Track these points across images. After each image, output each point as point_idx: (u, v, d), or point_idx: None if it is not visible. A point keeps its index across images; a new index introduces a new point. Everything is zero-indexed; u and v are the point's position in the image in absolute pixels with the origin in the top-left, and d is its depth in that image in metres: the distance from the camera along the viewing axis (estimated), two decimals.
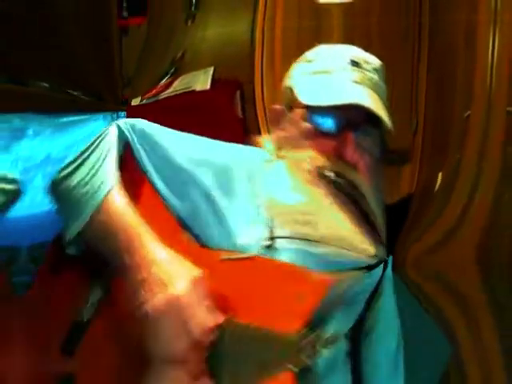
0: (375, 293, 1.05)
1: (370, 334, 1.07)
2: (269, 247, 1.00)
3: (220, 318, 0.94)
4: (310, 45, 1.22)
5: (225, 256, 0.98)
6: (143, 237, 0.95)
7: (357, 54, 1.04)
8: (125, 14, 1.33)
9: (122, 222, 0.97)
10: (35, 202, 1.16)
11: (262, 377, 0.98)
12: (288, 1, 1.24)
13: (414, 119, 1.21)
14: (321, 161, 1.02)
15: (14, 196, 1.05)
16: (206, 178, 1.03)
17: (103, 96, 1.22)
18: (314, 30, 1.22)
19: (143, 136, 1.01)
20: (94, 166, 0.98)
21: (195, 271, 0.94)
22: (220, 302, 0.97)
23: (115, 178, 0.96)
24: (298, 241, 1.01)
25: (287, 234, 1.01)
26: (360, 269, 1.05)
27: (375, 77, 1.02)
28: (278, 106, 1.04)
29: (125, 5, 1.32)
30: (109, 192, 0.96)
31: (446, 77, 1.17)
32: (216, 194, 1.03)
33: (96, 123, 1.13)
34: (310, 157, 1.03)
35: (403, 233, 1.16)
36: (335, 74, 1.02)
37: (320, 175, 1.01)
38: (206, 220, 1.02)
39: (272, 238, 1.00)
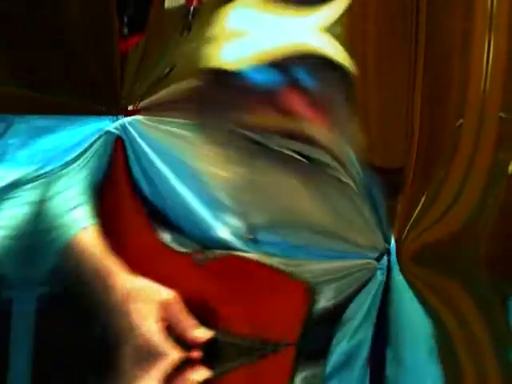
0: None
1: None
2: (253, 240, 0.97)
3: (206, 333, 0.95)
4: None
5: (197, 258, 0.97)
6: (115, 272, 0.95)
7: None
8: (125, 31, 1.33)
9: (92, 259, 0.96)
10: None
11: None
12: None
13: (409, 127, 1.21)
14: (255, 122, 0.98)
15: None
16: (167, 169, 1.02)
17: (104, 102, 1.20)
18: None
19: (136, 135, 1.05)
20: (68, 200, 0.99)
21: (166, 294, 0.94)
22: (206, 312, 0.96)
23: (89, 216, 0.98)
24: (277, 228, 0.98)
25: (264, 221, 0.97)
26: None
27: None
28: None
29: (126, 20, 1.33)
30: (80, 230, 0.97)
31: (442, 82, 1.18)
32: (175, 182, 1.01)
33: (104, 122, 1.16)
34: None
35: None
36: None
37: (259, 139, 0.98)
38: (177, 214, 1.00)
39: (252, 228, 0.97)
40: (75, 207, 0.98)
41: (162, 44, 1.35)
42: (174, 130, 1.06)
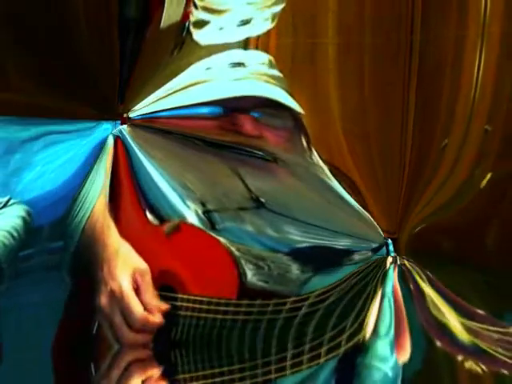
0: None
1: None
2: (212, 226, 1.18)
3: (162, 304, 1.15)
4: (304, 61, 1.26)
5: (165, 228, 1.21)
6: (109, 233, 1.18)
7: (238, 56, 1.22)
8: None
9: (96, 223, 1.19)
10: (48, 180, 1.26)
11: None
12: (282, 18, 1.26)
13: (403, 141, 1.23)
14: (211, 134, 1.21)
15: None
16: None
17: (103, 109, 1.31)
18: (309, 48, 1.24)
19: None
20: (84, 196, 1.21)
21: (141, 264, 1.16)
22: (171, 279, 1.18)
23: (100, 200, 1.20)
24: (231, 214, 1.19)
25: (218, 209, 1.22)
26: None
27: (261, 69, 1.20)
28: None
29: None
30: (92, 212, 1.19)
31: (433, 95, 1.19)
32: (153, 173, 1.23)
33: (106, 126, 1.32)
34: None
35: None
36: (215, 80, 1.21)
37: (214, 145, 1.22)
38: (159, 198, 1.22)
39: (207, 213, 1.19)
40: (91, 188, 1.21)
41: (154, 62, 1.37)
42: (156, 137, 1.28)
